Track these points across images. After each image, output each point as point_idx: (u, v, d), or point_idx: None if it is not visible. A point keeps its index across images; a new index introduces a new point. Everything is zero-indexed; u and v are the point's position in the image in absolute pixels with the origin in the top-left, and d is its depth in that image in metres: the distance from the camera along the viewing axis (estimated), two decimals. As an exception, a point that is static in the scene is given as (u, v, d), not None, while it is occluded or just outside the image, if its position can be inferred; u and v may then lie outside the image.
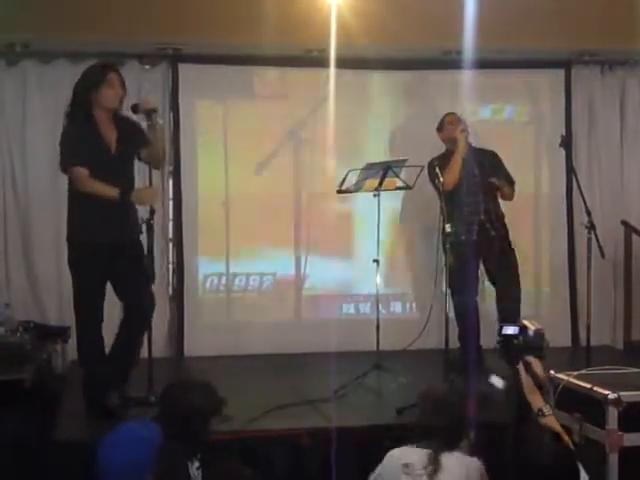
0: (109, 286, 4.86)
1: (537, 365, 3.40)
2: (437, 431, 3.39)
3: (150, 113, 4.72)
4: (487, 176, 5.90)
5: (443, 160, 5.82)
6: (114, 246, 4.69)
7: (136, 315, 4.87)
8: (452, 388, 3.58)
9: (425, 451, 3.36)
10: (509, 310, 5.78)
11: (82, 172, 4.63)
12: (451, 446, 3.37)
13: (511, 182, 6.04)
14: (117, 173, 4.71)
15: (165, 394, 3.55)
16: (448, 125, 6.00)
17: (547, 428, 2.95)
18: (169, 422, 3.39)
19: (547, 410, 3.33)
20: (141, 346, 5.00)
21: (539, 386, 3.37)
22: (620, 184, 7.19)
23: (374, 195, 5.64)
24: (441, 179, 5.43)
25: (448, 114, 6.09)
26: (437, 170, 5.50)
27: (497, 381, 4.10)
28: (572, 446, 3.01)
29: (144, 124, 4.81)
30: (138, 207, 4.88)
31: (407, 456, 3.39)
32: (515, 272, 6.00)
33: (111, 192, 4.63)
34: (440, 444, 3.35)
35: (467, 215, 5.85)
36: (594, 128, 7.16)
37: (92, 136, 4.69)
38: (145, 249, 4.85)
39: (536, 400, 3.36)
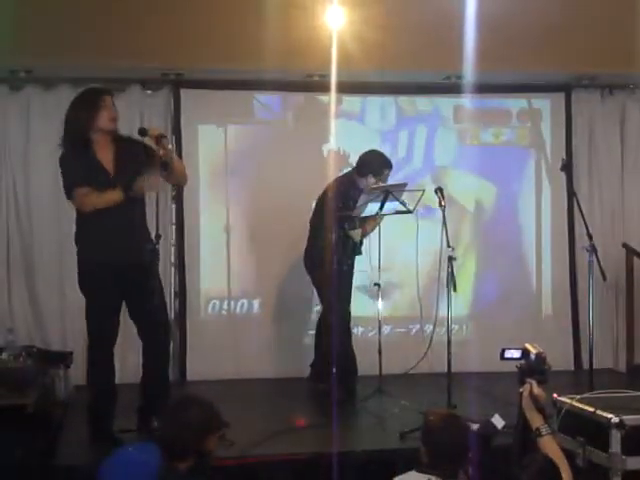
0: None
1: (537, 389, 3.39)
2: (438, 458, 3.36)
3: (160, 139, 4.65)
4: None
5: None
6: (125, 268, 4.64)
7: (153, 339, 4.85)
8: (452, 416, 3.54)
9: (427, 477, 3.33)
10: None
11: (82, 190, 4.60)
12: (452, 473, 3.33)
13: None
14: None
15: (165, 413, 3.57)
16: None
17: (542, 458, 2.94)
18: (167, 440, 3.37)
19: (545, 430, 3.32)
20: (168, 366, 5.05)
21: (540, 410, 3.36)
22: (621, 207, 7.21)
23: (375, 220, 5.66)
24: (443, 203, 5.40)
25: None
26: (439, 194, 5.49)
27: (498, 421, 4.09)
28: (568, 475, 2.99)
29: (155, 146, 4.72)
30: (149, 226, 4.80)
31: None
32: None
33: (114, 196, 4.58)
34: (441, 471, 3.33)
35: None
36: (595, 152, 7.19)
37: (89, 160, 4.66)
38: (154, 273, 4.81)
39: (535, 419, 3.35)
